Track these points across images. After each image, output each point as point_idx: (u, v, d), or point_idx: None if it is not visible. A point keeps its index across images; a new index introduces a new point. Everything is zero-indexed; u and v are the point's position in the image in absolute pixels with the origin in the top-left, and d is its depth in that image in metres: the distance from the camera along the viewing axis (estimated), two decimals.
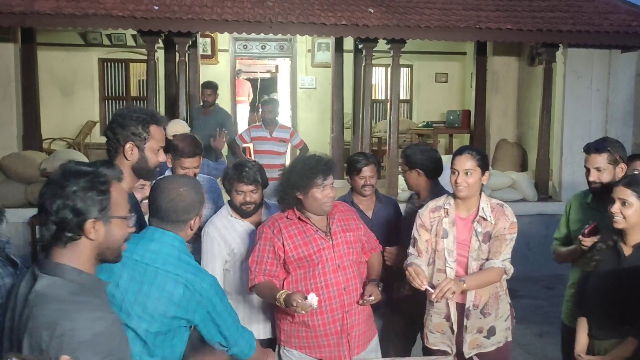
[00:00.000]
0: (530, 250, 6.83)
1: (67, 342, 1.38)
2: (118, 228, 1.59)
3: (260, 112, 6.71)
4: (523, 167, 8.64)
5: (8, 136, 7.43)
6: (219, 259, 3.05)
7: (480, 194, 2.88)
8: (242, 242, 3.07)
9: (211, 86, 6.70)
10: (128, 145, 2.24)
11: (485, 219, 2.82)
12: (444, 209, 2.89)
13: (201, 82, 7.61)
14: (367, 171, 3.50)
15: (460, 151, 2.87)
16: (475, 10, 7.18)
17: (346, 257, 2.79)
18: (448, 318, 2.88)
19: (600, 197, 2.99)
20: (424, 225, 2.92)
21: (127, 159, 2.25)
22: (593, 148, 3.00)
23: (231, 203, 3.10)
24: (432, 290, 2.65)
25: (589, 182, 3.01)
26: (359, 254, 2.94)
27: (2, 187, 6.61)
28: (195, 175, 3.41)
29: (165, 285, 1.97)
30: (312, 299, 2.53)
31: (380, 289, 3.00)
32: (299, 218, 2.75)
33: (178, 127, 4.38)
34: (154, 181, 2.28)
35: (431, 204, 2.96)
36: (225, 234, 3.07)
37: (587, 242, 2.80)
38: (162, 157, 2.35)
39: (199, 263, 2.67)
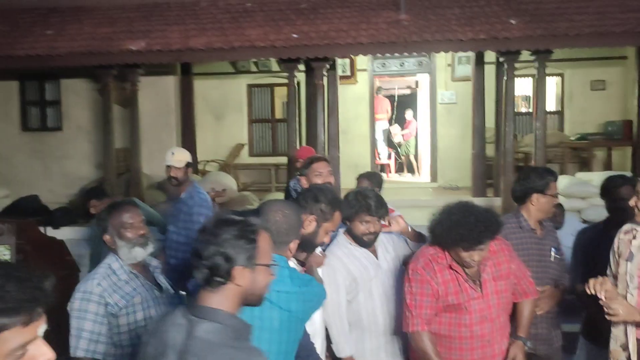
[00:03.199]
0: None
1: None
2: (262, 275, 1.65)
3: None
4: None
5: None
6: (342, 288, 3.05)
7: None
8: (364, 269, 3.05)
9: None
10: (311, 217, 2.46)
11: None
12: (636, 230, 2.64)
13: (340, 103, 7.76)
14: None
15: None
16: (635, 12, 6.47)
17: (495, 307, 2.62)
18: (625, 348, 2.61)
19: None
20: (614, 248, 2.70)
21: (303, 228, 2.40)
22: None
23: (348, 231, 3.10)
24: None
25: None
26: (509, 301, 2.74)
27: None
28: (332, 183, 3.48)
29: (290, 306, 2.10)
30: None
31: (527, 348, 2.76)
32: (450, 266, 2.62)
33: (183, 156, 4.31)
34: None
35: (627, 226, 2.73)
36: (348, 263, 3.06)
37: None
38: (327, 239, 2.59)
39: None
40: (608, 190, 3.38)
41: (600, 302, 2.40)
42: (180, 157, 4.24)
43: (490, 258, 2.62)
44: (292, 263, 2.76)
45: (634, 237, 2.64)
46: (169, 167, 4.21)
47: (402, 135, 11.49)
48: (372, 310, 3.03)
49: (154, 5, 8.47)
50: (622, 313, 2.40)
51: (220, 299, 1.59)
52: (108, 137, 7.56)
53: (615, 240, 2.73)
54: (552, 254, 3.12)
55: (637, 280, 2.58)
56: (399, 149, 11.68)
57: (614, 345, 2.66)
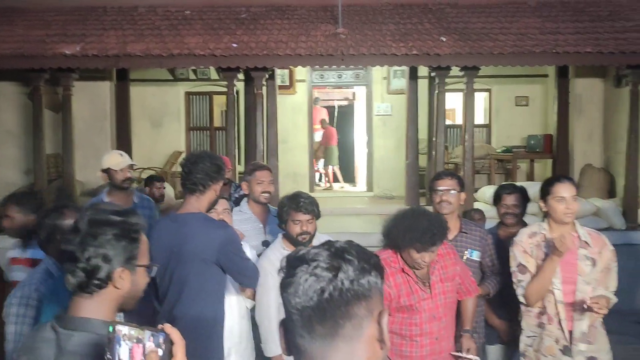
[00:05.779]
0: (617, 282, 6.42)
1: None
2: (141, 277, 1.57)
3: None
4: (611, 193, 8.18)
5: None
6: (273, 291, 3.13)
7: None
8: None
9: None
10: (219, 186, 2.93)
11: (588, 244, 2.93)
12: (541, 233, 2.98)
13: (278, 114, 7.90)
14: (509, 200, 3.62)
15: (560, 179, 2.99)
16: (553, 34, 6.99)
17: (442, 307, 2.82)
18: (558, 341, 2.93)
19: None
20: (526, 252, 3.01)
21: (217, 194, 2.96)
22: None
23: (285, 236, 3.21)
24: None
25: None
26: (454, 301, 2.96)
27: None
28: (271, 192, 3.67)
29: None
30: None
31: (474, 339, 3.08)
32: (402, 269, 2.78)
33: (118, 159, 4.11)
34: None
35: (527, 231, 3.06)
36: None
37: None
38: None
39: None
40: (498, 197, 3.70)
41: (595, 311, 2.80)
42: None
43: (438, 261, 2.83)
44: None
45: (544, 239, 2.95)
46: (119, 170, 4.00)
47: (326, 142, 11.62)
48: None
49: (89, 9, 8.31)
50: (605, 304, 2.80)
51: (96, 306, 1.47)
52: (38, 143, 7.32)
53: (525, 245, 3.00)
54: (466, 255, 3.34)
55: (561, 275, 2.86)
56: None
57: (549, 342, 2.95)
